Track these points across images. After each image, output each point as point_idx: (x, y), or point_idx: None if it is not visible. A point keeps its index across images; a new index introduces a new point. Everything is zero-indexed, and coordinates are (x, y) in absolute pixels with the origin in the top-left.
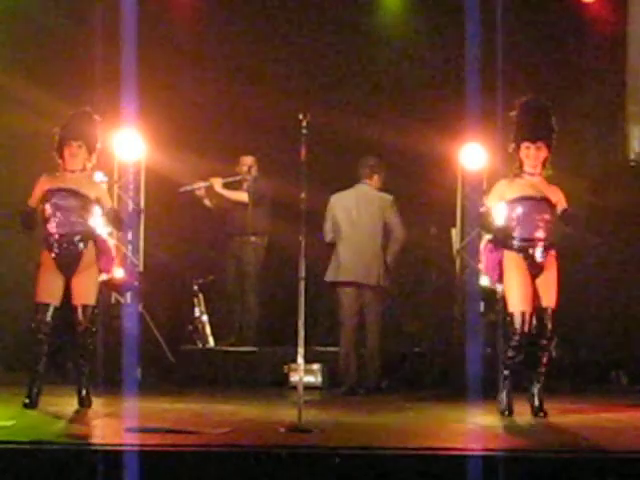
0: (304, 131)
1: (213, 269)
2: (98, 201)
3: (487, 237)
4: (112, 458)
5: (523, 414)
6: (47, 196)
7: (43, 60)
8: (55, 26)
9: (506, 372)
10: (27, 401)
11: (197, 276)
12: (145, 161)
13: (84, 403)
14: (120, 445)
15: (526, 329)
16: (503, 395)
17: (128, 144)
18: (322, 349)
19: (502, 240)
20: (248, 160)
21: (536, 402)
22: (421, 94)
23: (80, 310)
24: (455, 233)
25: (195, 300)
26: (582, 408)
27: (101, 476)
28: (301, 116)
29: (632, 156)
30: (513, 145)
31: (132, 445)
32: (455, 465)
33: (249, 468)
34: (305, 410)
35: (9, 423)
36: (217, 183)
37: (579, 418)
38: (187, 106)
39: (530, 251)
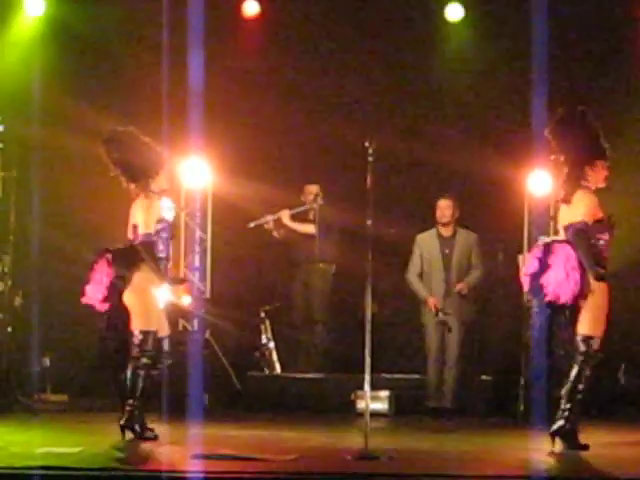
0: (370, 158)
1: (280, 296)
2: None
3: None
4: None
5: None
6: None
7: (110, 89)
8: (123, 55)
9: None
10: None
11: (264, 303)
12: (212, 189)
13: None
14: (186, 472)
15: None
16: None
17: (195, 172)
18: (389, 376)
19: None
20: (313, 189)
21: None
22: (488, 121)
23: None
24: (522, 260)
25: (262, 327)
26: None
27: None
28: (367, 143)
29: None
30: (582, 159)
31: (197, 472)
32: None
33: None
34: (372, 437)
35: (76, 450)
36: (285, 216)
37: None
38: (253, 134)
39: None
